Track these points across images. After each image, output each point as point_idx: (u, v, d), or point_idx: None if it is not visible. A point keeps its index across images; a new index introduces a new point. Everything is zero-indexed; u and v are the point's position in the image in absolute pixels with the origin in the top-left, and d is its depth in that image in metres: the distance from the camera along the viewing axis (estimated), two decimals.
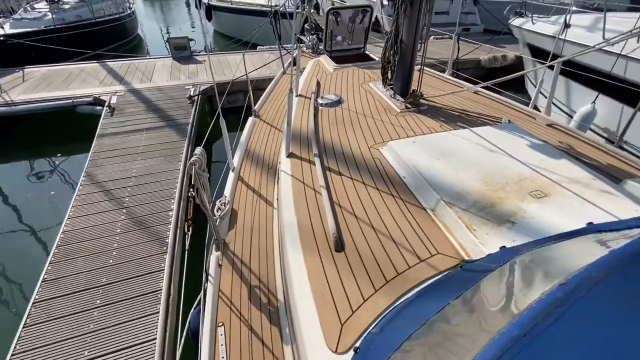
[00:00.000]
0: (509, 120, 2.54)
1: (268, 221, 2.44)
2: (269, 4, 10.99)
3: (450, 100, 3.04)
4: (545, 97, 7.40)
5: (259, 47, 9.27)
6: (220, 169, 3.50)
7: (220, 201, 2.54)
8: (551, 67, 5.17)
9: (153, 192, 3.62)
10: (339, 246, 1.54)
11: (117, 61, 7.91)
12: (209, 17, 12.89)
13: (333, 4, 13.68)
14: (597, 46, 2.40)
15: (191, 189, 1.78)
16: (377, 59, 4.09)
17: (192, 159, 1.83)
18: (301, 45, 6.31)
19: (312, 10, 6.43)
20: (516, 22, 7.63)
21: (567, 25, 4.65)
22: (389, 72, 2.92)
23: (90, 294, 2.63)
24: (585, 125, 5.59)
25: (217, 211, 2.46)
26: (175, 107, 5.69)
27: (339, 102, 2.99)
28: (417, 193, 1.81)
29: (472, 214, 1.55)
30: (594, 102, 5.58)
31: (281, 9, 10.12)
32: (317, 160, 2.16)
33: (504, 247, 1.31)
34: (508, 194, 1.67)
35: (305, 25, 6.17)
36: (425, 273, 1.36)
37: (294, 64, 5.62)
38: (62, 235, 3.13)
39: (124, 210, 3.34)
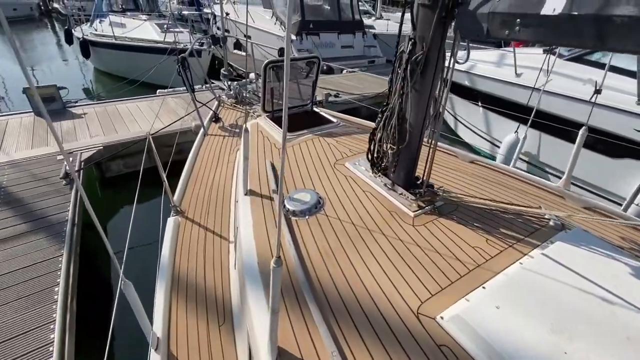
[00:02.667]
0: (557, 217, 1.91)
1: None
2: (165, 39, 9.52)
3: (457, 181, 2.32)
4: (467, 127, 7.58)
5: (159, 90, 7.72)
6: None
7: None
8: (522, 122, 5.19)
9: None
10: None
11: None
12: (86, 55, 10.66)
13: (238, 41, 12.78)
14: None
15: None
16: (333, 120, 3.24)
17: None
18: (216, 88, 5.14)
19: (230, 50, 5.35)
20: None
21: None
22: (385, 157, 2.07)
23: None
24: (511, 153, 5.77)
25: None
26: (42, 192, 3.92)
27: (318, 205, 2.01)
28: None
29: None
30: (516, 131, 5.86)
31: (183, 46, 8.77)
32: None
33: None
34: None
35: (222, 70, 5.06)
36: None
37: (215, 120, 4.44)
38: None
39: None
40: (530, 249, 1.63)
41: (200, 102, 4.30)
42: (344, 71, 11.08)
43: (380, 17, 17.90)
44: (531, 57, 6.10)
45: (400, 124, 1.83)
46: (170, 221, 2.71)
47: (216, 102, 4.70)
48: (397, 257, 1.64)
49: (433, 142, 1.89)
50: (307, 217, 1.93)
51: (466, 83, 6.82)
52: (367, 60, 12.52)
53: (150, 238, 3.41)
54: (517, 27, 1.19)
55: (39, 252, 3.04)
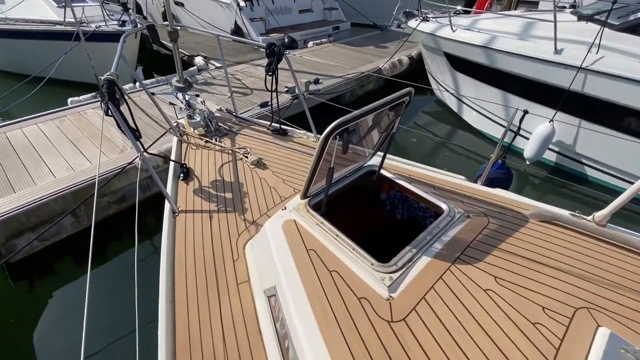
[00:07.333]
0: None
1: None
2: (65, 18, 6.83)
3: None
4: (475, 111, 6.30)
5: (71, 100, 5.43)
6: None
7: None
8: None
9: None
10: None
11: None
12: None
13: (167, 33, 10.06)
14: None
15: None
16: (439, 203, 1.74)
17: None
18: (159, 93, 3.25)
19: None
20: (425, 27, 6.28)
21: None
22: None
23: None
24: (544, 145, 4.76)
25: None
26: None
27: None
28: None
29: None
30: (551, 120, 4.75)
31: (96, 27, 6.28)
32: None
33: None
34: None
35: (174, 81, 3.17)
36: None
37: (183, 176, 2.61)
38: None
39: None
40: None
41: (148, 153, 2.49)
42: (310, 43, 9.16)
43: None
44: (567, 26, 4.79)
45: None
46: None
47: (175, 140, 2.88)
48: None
49: None
50: None
51: (481, 60, 5.47)
52: (332, 27, 10.61)
53: None
54: None
55: None
